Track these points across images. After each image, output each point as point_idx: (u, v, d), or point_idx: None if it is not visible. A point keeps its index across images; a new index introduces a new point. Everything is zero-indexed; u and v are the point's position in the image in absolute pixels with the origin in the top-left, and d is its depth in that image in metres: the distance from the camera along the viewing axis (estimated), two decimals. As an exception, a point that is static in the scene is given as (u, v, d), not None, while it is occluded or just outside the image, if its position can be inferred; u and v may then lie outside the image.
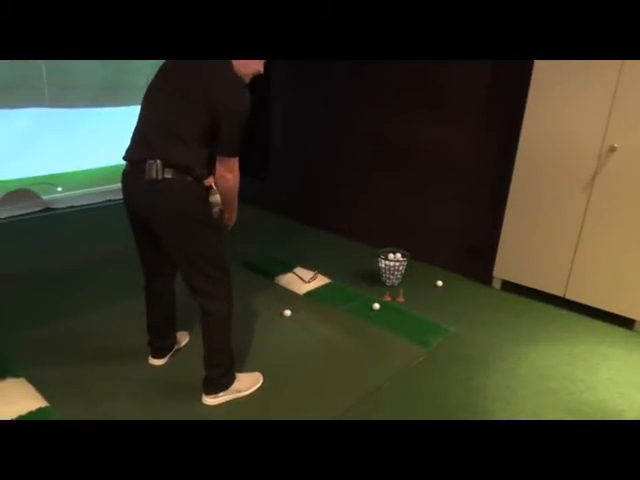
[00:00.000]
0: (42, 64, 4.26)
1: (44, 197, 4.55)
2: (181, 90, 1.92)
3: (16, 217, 4.32)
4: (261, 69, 2.06)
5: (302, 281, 3.36)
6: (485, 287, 3.49)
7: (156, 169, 1.86)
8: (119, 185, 2.05)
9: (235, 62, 1.96)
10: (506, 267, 3.38)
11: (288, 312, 2.98)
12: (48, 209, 4.53)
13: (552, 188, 3.05)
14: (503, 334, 2.91)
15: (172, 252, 2.05)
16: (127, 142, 2.03)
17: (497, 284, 3.48)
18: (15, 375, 2.24)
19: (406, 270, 3.45)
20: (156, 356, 2.44)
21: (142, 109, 2.02)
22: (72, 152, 4.62)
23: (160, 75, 2.01)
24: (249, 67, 2.00)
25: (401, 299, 3.26)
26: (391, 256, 3.47)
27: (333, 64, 4.09)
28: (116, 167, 2.55)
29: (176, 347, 2.53)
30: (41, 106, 4.34)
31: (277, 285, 3.39)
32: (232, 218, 2.22)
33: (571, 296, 3.14)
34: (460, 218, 3.67)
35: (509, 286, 3.41)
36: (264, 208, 4.79)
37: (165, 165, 1.87)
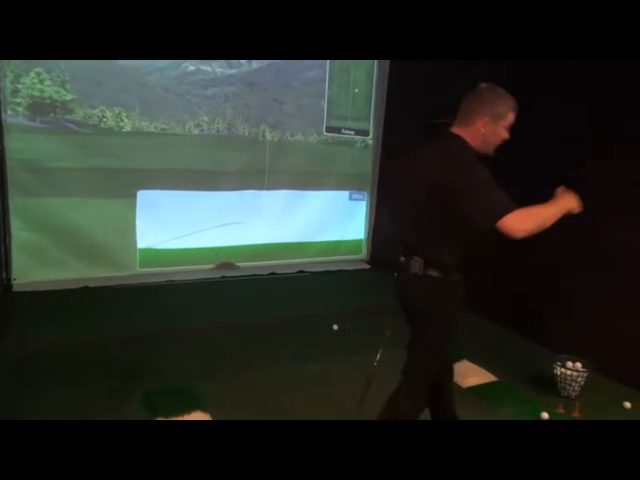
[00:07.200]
0: (266, 153, 5.15)
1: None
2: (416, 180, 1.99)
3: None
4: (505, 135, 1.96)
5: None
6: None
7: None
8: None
9: (472, 135, 1.90)
10: None
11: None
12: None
13: None
14: None
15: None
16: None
17: None
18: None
19: (586, 384, 3.14)
20: None
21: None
22: (270, 226, 5.25)
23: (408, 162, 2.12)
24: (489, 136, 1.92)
25: (577, 414, 2.96)
26: (570, 364, 3.20)
27: (556, 161, 3.78)
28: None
29: None
30: (260, 189, 5.20)
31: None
32: None
33: None
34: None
35: None
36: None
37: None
